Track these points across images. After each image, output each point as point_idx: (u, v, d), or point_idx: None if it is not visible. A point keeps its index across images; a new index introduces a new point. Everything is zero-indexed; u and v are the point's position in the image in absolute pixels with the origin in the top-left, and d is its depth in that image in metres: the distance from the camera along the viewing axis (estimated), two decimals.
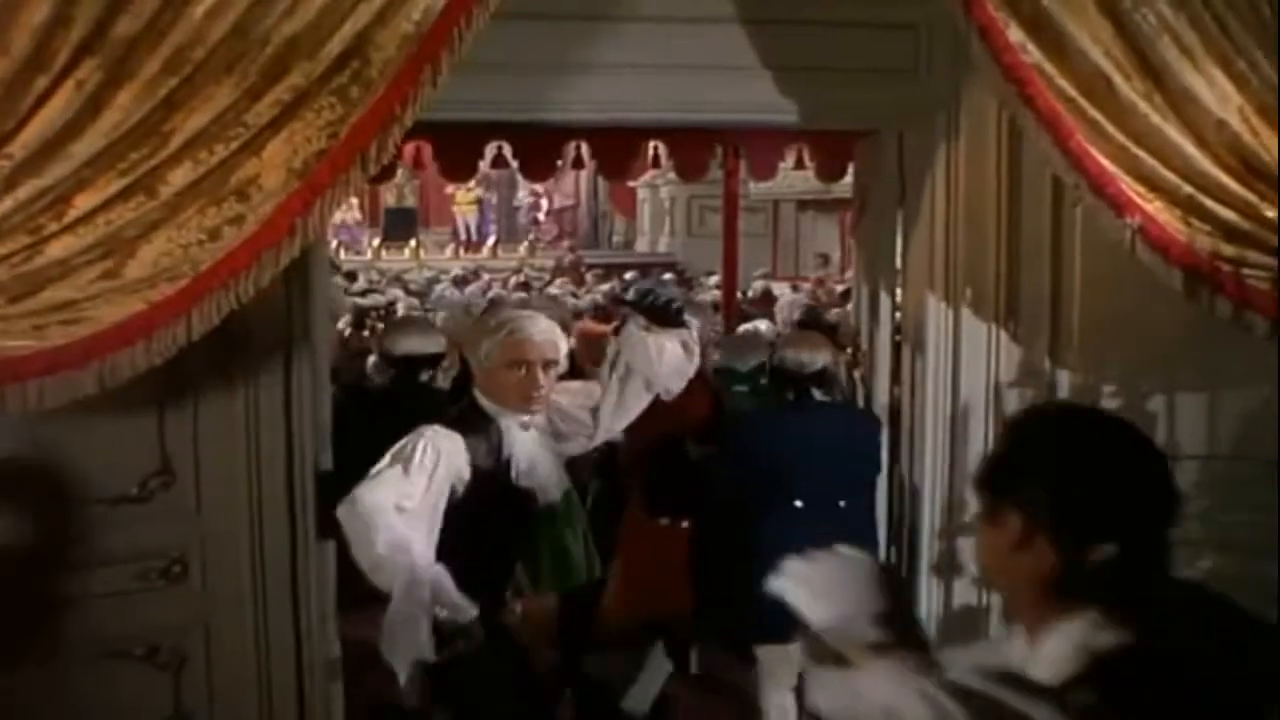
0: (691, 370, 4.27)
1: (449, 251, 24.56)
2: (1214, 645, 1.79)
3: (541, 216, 27.35)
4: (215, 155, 3.46)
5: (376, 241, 24.88)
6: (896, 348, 5.22)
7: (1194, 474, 4.91)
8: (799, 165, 7.45)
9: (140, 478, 4.30)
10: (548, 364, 3.97)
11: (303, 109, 3.53)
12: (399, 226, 25.79)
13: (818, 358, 4.75)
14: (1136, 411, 4.94)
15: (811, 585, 1.82)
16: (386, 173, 6.73)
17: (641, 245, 25.00)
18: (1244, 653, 1.77)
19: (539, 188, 26.28)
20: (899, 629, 1.77)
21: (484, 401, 4.04)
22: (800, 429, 4.64)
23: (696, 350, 4.32)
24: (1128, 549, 1.81)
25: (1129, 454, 1.89)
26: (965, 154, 4.89)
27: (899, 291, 5.19)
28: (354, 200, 25.56)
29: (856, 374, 5.41)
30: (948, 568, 5.07)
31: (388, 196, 26.56)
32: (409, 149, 7.02)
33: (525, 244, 25.13)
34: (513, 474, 3.93)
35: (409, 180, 26.14)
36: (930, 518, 5.06)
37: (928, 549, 5.08)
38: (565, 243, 25.61)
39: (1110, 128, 3.98)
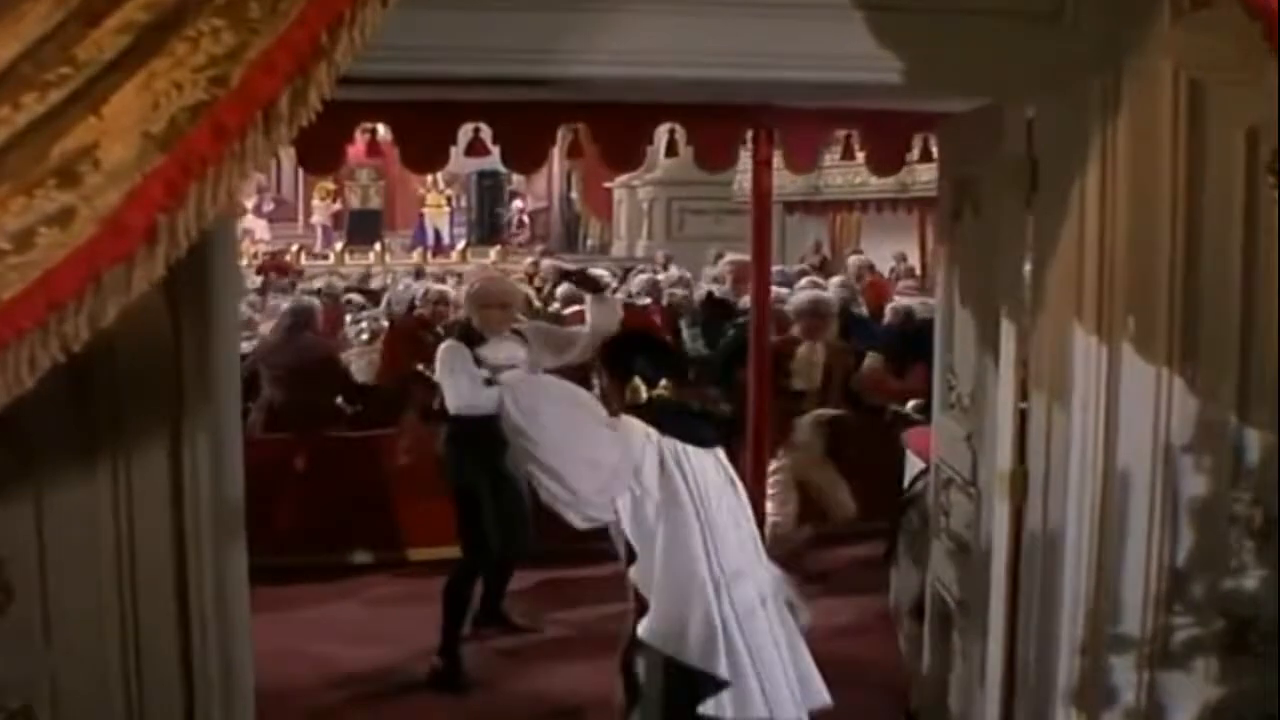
0: (617, 314, 6.21)
1: (416, 256, 23.18)
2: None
3: (518, 216, 26.07)
4: (24, 112, 2.21)
5: (339, 245, 23.50)
6: (1023, 399, 3.86)
7: None
8: (846, 155, 6.13)
9: None
10: (503, 305, 6.02)
11: (169, 37, 2.23)
12: (363, 229, 24.52)
13: None
14: None
15: None
16: (327, 159, 5.44)
17: (618, 249, 23.76)
18: None
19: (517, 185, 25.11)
20: None
21: (476, 325, 5.96)
22: None
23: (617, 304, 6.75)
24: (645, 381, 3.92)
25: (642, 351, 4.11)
26: (1127, 136, 3.58)
27: (1028, 322, 3.82)
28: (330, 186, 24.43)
29: None
30: (1092, 695, 3.72)
31: (352, 198, 25.31)
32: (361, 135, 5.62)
33: (495, 249, 23.75)
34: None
35: (374, 180, 24.99)
36: (1070, 628, 3.74)
37: (1065, 670, 3.75)
38: (539, 247, 24.29)
39: None
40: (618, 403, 3.95)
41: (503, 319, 5.88)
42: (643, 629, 3.72)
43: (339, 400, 8.03)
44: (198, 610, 3.31)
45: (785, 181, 16.53)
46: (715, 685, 3.66)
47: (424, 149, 5.32)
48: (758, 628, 3.72)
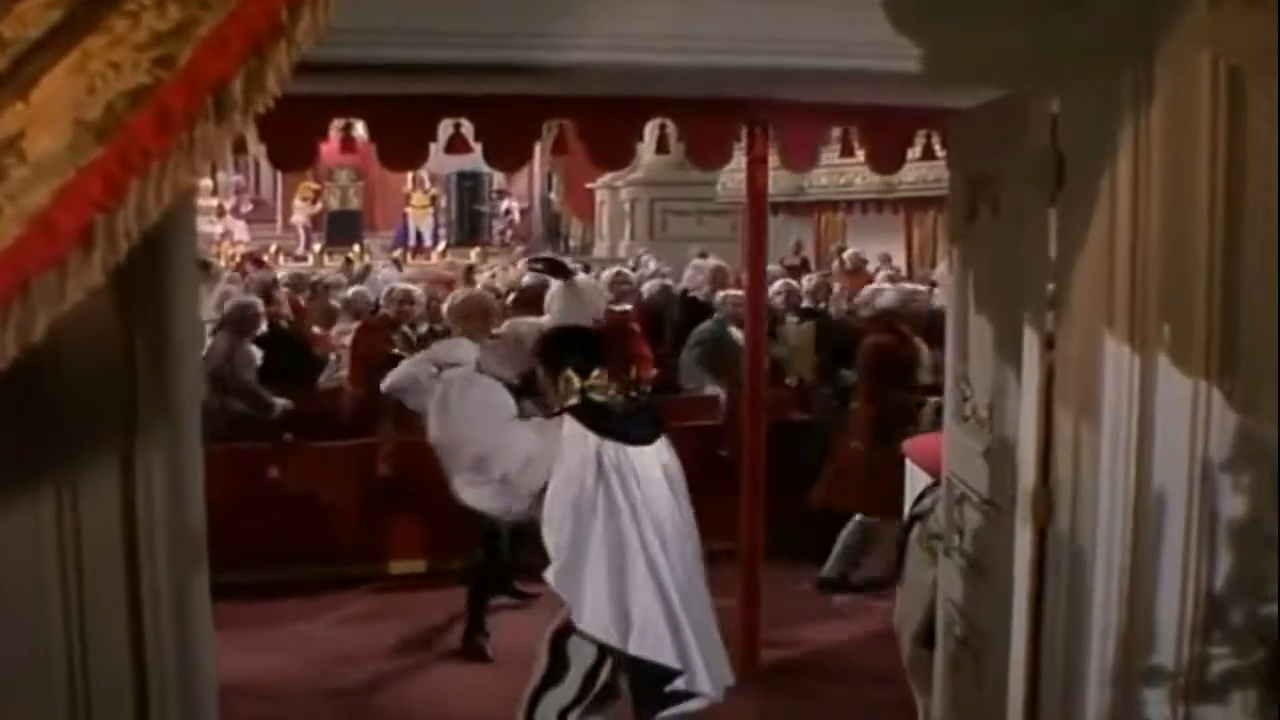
0: (592, 306, 6.12)
1: (395, 255, 22.90)
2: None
3: (515, 215, 25.83)
4: None
5: (318, 247, 23.19)
6: (1047, 413, 3.58)
7: None
8: (846, 152, 5.87)
9: None
10: (482, 315, 6.35)
11: (106, 12, 1.94)
12: (342, 230, 24.19)
13: None
14: None
15: None
16: (300, 156, 5.13)
17: (600, 250, 23.50)
18: None
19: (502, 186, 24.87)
20: None
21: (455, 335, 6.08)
22: None
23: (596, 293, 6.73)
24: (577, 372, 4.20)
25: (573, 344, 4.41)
26: (1161, 128, 3.31)
27: (1053, 330, 3.56)
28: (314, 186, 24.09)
29: None
30: None
31: (331, 199, 24.98)
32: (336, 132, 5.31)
33: (475, 249, 23.48)
34: None
35: (353, 181, 24.70)
36: (1099, 658, 3.47)
37: (1094, 703, 3.48)
38: (520, 248, 24.02)
39: None
40: (554, 396, 4.26)
41: (481, 328, 6.17)
42: (582, 621, 3.98)
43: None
44: (154, 643, 3.03)
45: (769, 182, 16.36)
46: (670, 675, 4.00)
47: (402, 146, 5.04)
48: (695, 609, 4.09)
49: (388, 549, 7.57)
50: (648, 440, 4.15)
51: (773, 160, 5.74)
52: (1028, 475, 3.59)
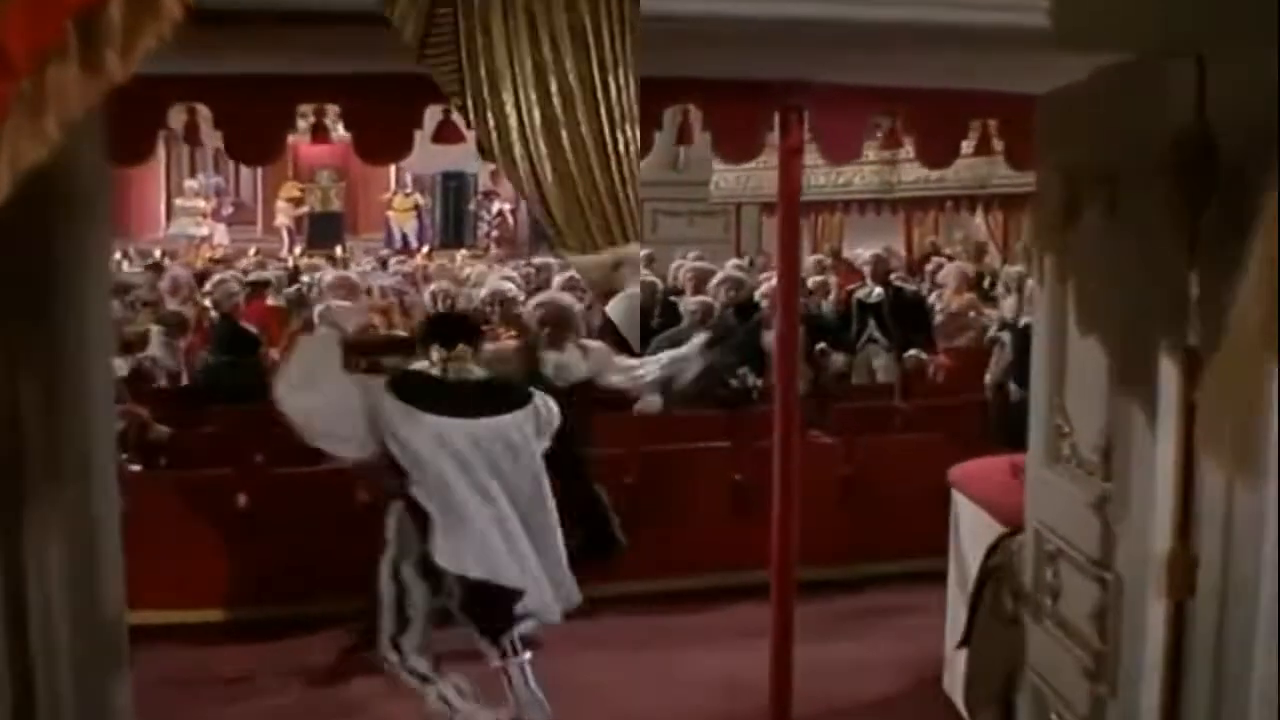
0: None
1: (383, 254, 22.25)
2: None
3: (506, 218, 25.15)
4: None
5: (298, 249, 22.50)
6: (1187, 467, 2.88)
7: None
8: (891, 142, 5.19)
9: None
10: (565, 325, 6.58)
11: None
12: (324, 233, 23.50)
13: None
14: None
15: None
16: (262, 148, 4.37)
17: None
18: None
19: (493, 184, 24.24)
20: None
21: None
22: None
23: None
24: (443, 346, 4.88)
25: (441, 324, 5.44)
26: None
27: (1198, 360, 2.86)
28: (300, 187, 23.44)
29: None
30: None
31: (312, 200, 24.33)
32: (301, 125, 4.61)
33: (462, 252, 22.79)
34: None
35: (334, 182, 24.11)
36: None
37: None
38: (498, 250, 23.39)
39: None
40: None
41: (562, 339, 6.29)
42: (436, 556, 4.56)
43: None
44: None
45: (764, 183, 15.94)
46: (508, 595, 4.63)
47: (383, 135, 4.33)
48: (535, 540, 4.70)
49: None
50: (481, 413, 4.69)
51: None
52: (1162, 537, 2.90)
